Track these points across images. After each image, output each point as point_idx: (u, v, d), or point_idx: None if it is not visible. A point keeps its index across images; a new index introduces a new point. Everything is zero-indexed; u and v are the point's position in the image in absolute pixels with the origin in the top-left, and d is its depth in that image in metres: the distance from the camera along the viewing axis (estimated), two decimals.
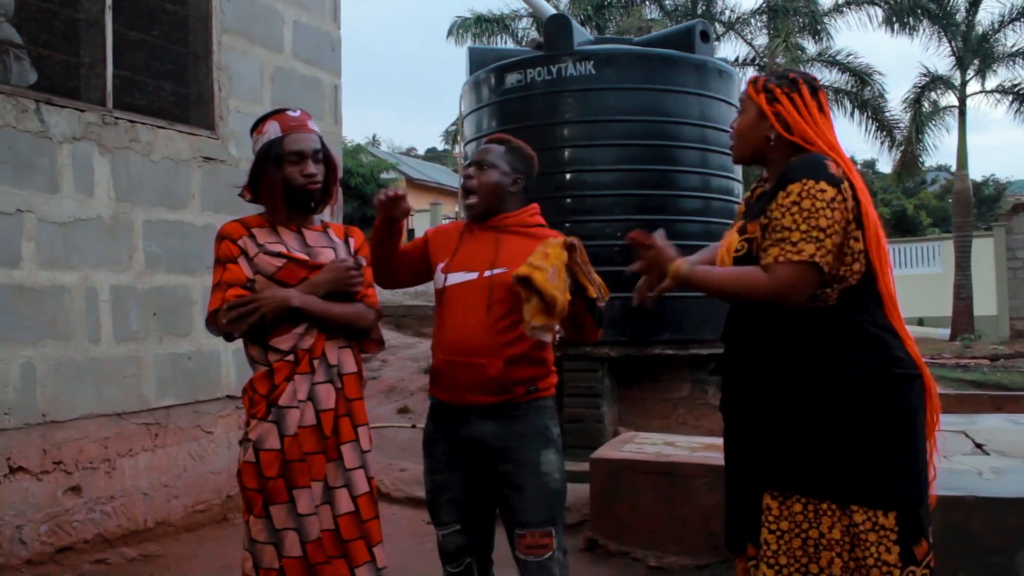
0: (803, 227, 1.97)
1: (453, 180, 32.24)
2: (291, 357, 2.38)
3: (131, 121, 4.52)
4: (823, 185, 1.99)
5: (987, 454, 4.06)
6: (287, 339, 2.39)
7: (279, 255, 2.41)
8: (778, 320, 2.07)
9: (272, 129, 2.48)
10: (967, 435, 4.43)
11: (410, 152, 48.28)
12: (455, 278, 2.56)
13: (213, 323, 2.41)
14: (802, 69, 17.50)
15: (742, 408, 2.17)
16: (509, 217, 2.63)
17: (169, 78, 4.99)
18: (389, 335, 11.77)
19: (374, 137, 48.05)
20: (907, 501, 2.01)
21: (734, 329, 2.23)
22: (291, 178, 2.44)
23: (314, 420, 2.39)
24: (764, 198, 2.15)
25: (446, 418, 2.59)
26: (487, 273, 2.52)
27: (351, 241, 2.62)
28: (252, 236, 2.44)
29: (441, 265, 2.62)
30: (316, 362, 2.41)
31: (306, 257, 2.45)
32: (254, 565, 2.38)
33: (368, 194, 26.13)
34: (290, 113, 2.52)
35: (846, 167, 2.07)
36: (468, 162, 2.66)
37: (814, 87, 2.17)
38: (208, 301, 2.45)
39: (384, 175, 27.38)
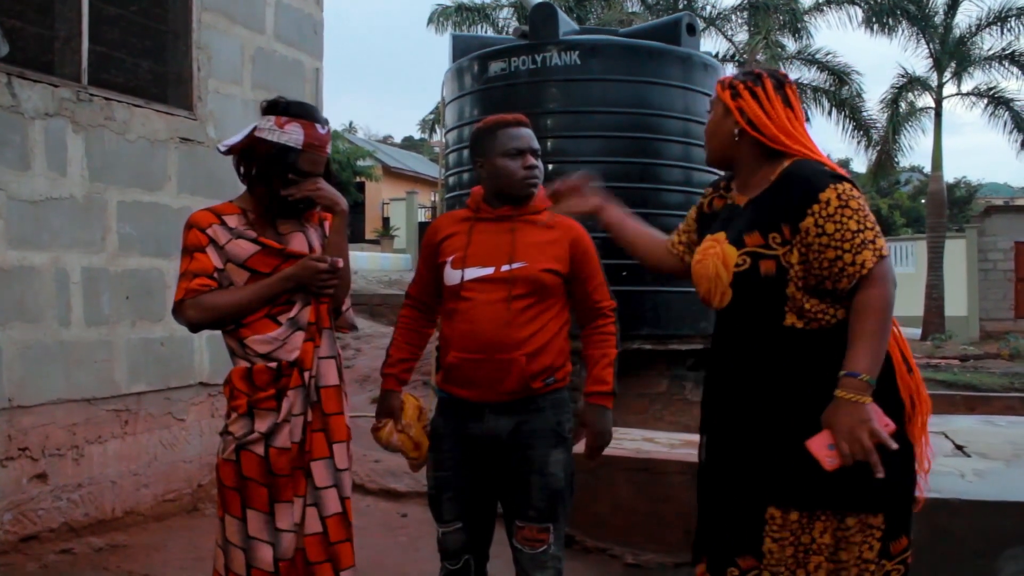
0: (867, 224, 1.92)
1: (429, 168, 32.17)
2: (273, 364, 2.29)
3: (107, 98, 4.39)
4: (848, 186, 1.95)
5: (968, 456, 4.06)
6: (262, 343, 2.30)
7: (255, 241, 2.33)
8: (779, 338, 2.00)
9: (295, 136, 2.31)
10: (946, 436, 4.44)
11: (387, 140, 48.16)
12: (471, 273, 2.45)
13: (179, 313, 2.33)
14: (782, 67, 17.73)
15: (739, 422, 2.08)
16: (524, 206, 2.54)
17: (147, 55, 4.86)
18: (364, 323, 11.68)
19: (351, 124, 47.71)
20: (896, 499, 1.99)
21: (724, 344, 2.16)
22: (289, 192, 2.34)
23: (300, 435, 2.30)
24: (756, 205, 2.05)
25: (457, 413, 2.52)
26: (504, 268, 2.43)
27: (325, 225, 2.50)
28: (223, 223, 2.35)
29: (451, 260, 2.50)
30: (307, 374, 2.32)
31: (280, 245, 2.36)
32: (224, 565, 2.31)
33: (344, 181, 25.98)
34: (319, 128, 2.34)
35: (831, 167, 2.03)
36: (530, 148, 2.53)
37: (780, 81, 2.09)
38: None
39: (360, 162, 27.20)
